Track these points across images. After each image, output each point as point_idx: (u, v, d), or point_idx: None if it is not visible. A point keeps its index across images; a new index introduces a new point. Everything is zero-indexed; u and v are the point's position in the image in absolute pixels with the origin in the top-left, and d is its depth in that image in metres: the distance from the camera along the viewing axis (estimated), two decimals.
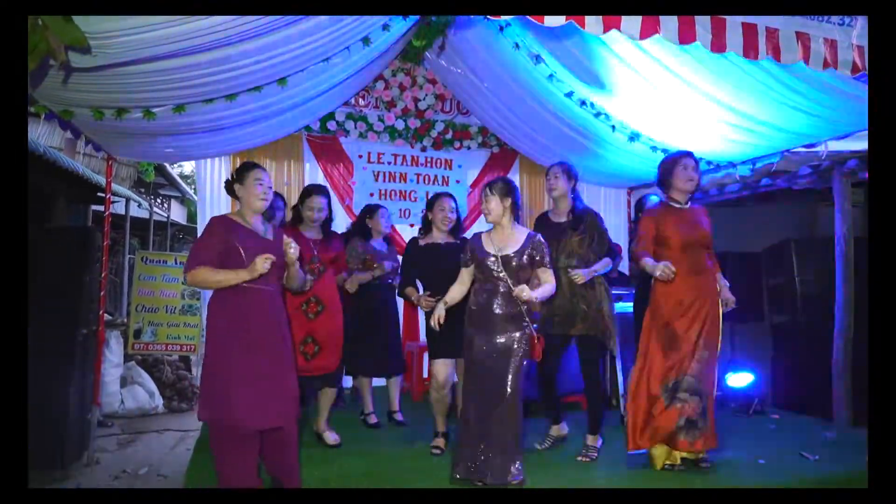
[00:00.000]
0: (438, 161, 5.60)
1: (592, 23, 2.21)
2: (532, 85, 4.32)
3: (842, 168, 4.16)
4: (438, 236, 3.51)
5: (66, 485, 3.68)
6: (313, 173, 5.23)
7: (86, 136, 3.80)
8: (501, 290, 2.87)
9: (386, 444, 3.57)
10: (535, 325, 2.92)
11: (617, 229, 5.32)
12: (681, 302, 3.04)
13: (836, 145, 3.82)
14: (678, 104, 3.80)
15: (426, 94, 5.36)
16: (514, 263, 2.86)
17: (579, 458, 3.27)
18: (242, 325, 2.52)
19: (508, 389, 2.80)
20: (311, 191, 3.53)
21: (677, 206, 3.17)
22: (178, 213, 13.51)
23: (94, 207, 7.00)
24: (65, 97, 3.06)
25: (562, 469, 3.13)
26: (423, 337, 4.64)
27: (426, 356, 4.00)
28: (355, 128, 5.26)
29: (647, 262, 2.99)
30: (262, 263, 2.43)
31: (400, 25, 3.65)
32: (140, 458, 4.28)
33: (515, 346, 2.84)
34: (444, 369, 3.33)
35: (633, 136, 4.50)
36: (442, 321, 2.92)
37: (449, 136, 5.52)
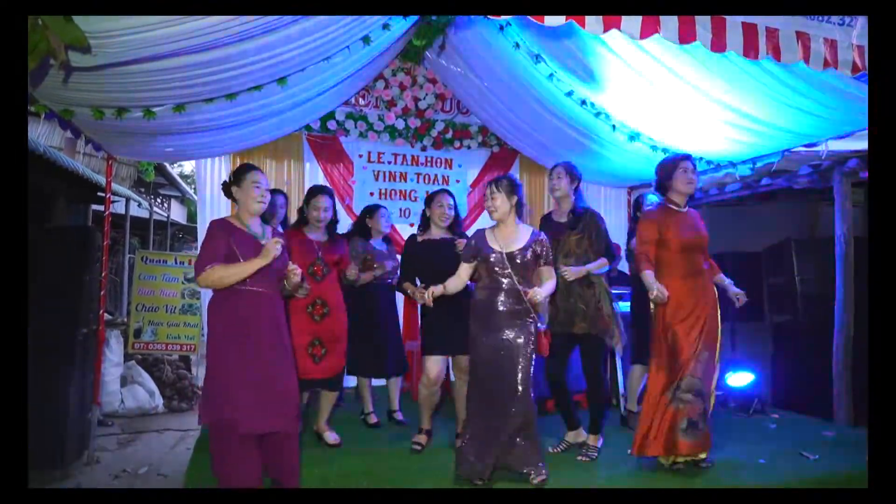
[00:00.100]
0: (438, 160, 5.60)
1: (593, 22, 2.21)
2: (532, 84, 4.32)
3: (842, 168, 4.16)
4: (436, 232, 3.51)
5: (66, 484, 3.69)
6: (313, 173, 5.23)
7: (86, 135, 3.80)
8: (505, 286, 2.88)
9: (386, 443, 3.57)
10: (542, 325, 2.92)
11: (617, 229, 5.31)
12: (680, 304, 3.04)
13: (836, 145, 3.82)
14: (678, 104, 3.80)
15: (426, 94, 5.36)
16: (518, 260, 2.87)
17: (579, 458, 3.27)
18: (241, 328, 2.53)
19: (519, 386, 2.80)
20: (316, 191, 3.52)
21: (676, 208, 3.17)
22: (178, 213, 13.51)
23: (94, 207, 7.00)
24: (65, 96, 3.06)
25: (562, 469, 3.12)
26: None
27: None
28: (355, 127, 5.26)
29: (647, 276, 3.02)
30: (274, 246, 2.46)
31: (400, 25, 3.65)
32: (140, 458, 4.28)
33: (522, 341, 2.84)
34: (436, 366, 3.33)
35: (634, 136, 4.50)
36: (435, 295, 2.90)
37: (449, 135, 5.51)
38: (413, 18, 3.69)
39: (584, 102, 4.28)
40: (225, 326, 2.54)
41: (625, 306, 4.09)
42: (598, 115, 4.37)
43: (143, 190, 10.03)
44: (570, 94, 4.24)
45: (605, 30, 2.24)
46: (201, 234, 4.82)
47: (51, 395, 3.79)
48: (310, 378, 3.28)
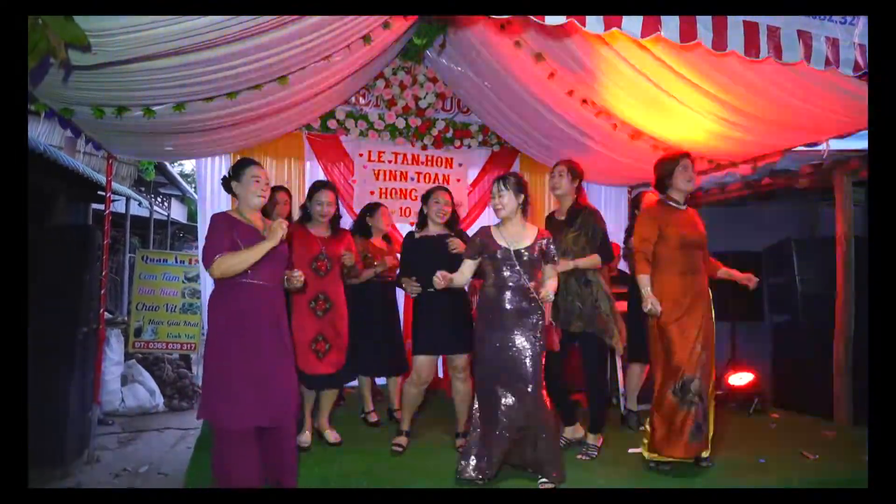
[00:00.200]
0: (439, 159, 5.59)
1: (593, 22, 2.20)
2: (533, 83, 4.32)
3: (843, 167, 4.16)
4: (434, 229, 3.51)
5: (67, 482, 3.69)
6: (314, 172, 5.22)
7: (86, 134, 3.80)
8: (511, 284, 2.87)
9: (386, 443, 3.56)
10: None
11: (618, 228, 5.31)
12: (677, 302, 3.04)
13: (837, 144, 3.81)
14: (679, 103, 3.79)
15: (427, 93, 5.35)
16: (525, 258, 2.87)
17: (579, 457, 3.27)
18: (242, 322, 2.52)
19: (531, 384, 2.80)
20: (318, 186, 3.53)
21: (676, 205, 3.17)
22: (178, 212, 13.49)
23: (94, 206, 6.99)
24: (65, 95, 3.06)
25: None
26: None
27: None
28: (356, 126, 5.25)
29: (643, 281, 3.05)
30: (280, 226, 2.48)
31: (401, 24, 3.65)
32: (140, 457, 4.29)
33: (531, 338, 2.84)
34: (426, 365, 3.33)
35: (634, 135, 4.50)
36: (444, 281, 2.83)
37: (449, 134, 5.51)
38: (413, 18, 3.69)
39: (584, 101, 4.28)
40: (227, 319, 2.53)
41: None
42: (598, 114, 4.36)
43: (143, 189, 10.02)
44: (570, 93, 4.23)
45: (606, 29, 2.23)
46: (202, 234, 4.83)
47: (51, 393, 3.80)
48: (317, 374, 3.29)
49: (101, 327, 4.32)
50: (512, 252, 2.87)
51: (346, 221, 4.74)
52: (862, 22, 2.44)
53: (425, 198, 3.56)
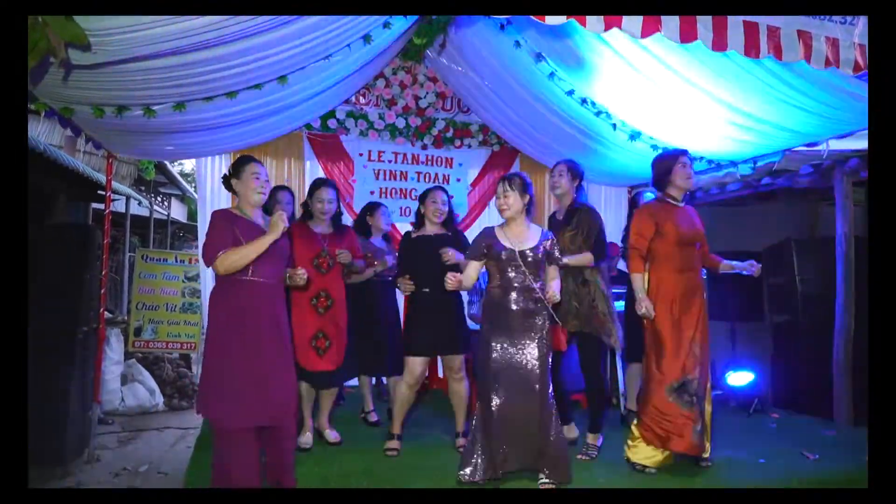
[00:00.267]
0: (439, 159, 5.59)
1: (594, 21, 2.20)
2: (533, 83, 4.32)
3: (843, 167, 4.16)
4: (431, 229, 3.51)
5: (67, 482, 3.69)
6: (314, 171, 5.21)
7: (86, 133, 3.80)
8: (516, 285, 2.87)
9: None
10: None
11: (617, 228, 5.31)
12: (673, 300, 3.05)
13: (837, 144, 3.81)
14: (679, 103, 3.80)
15: (427, 93, 5.36)
16: (530, 259, 2.87)
17: (579, 457, 3.27)
18: (242, 319, 2.52)
19: (537, 385, 2.80)
20: (319, 183, 3.53)
21: (674, 203, 3.18)
22: (178, 212, 13.50)
23: (94, 205, 6.99)
24: (65, 94, 3.05)
25: None
26: None
27: None
28: (356, 126, 5.25)
29: (637, 281, 3.07)
30: (281, 219, 2.49)
31: (401, 23, 3.64)
32: (140, 456, 4.29)
33: (537, 339, 2.84)
34: (419, 366, 3.33)
35: (634, 135, 4.49)
36: (454, 284, 2.83)
37: (449, 134, 5.51)
38: (414, 17, 3.69)
39: (584, 101, 4.27)
40: (227, 316, 2.53)
41: (620, 304, 4.08)
42: (598, 114, 4.36)
43: (143, 188, 10.02)
44: (570, 92, 4.23)
45: (606, 28, 2.23)
46: (202, 233, 4.83)
47: (51, 393, 3.80)
48: (317, 370, 3.29)
49: (101, 327, 4.32)
50: (517, 253, 2.87)
51: (346, 221, 4.76)
52: (862, 22, 2.44)
53: (422, 198, 3.56)
